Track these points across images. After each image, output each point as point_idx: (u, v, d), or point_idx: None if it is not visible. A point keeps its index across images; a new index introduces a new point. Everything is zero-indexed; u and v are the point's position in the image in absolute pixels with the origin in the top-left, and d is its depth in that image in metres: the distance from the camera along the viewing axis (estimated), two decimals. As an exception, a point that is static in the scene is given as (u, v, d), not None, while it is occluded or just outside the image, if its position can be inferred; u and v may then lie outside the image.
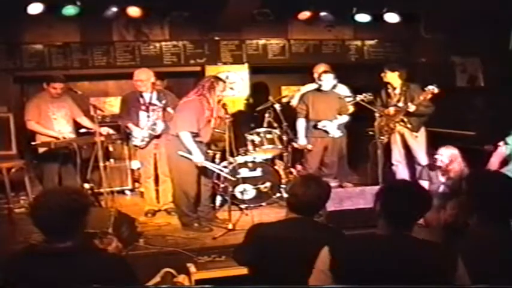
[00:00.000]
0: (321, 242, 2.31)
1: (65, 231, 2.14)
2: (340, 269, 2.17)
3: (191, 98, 4.91)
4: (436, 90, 5.36)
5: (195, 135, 4.82)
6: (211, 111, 4.85)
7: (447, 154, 4.63)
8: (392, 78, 5.78)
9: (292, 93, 7.24)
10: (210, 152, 5.79)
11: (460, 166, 4.58)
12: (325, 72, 6.07)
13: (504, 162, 4.59)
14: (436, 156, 4.74)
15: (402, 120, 5.73)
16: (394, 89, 5.82)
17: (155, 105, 5.46)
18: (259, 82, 7.58)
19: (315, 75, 6.30)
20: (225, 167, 5.49)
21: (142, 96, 5.46)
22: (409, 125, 5.72)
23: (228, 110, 5.23)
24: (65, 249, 2.10)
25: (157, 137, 5.50)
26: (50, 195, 2.23)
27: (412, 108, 5.51)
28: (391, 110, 5.78)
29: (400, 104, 5.73)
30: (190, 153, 4.77)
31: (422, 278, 2.12)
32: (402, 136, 5.88)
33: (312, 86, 6.31)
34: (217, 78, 5.02)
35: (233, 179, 5.25)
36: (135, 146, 5.61)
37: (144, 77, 5.40)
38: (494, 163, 4.61)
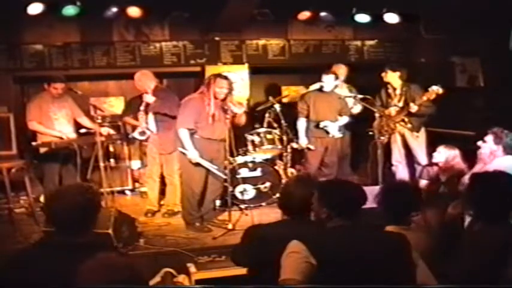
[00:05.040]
0: None
1: (80, 227, 2.21)
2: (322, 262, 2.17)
3: (192, 96, 5.05)
4: (440, 91, 5.36)
5: (194, 131, 4.91)
6: (210, 107, 4.88)
7: (445, 153, 4.64)
8: (393, 78, 5.78)
9: (293, 94, 7.29)
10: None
11: (459, 166, 4.57)
12: (326, 73, 6.06)
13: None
14: (433, 154, 4.76)
15: (403, 120, 5.73)
16: (395, 89, 5.82)
17: (148, 105, 5.52)
18: (261, 82, 7.58)
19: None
20: (225, 167, 5.48)
21: (143, 97, 5.54)
22: (409, 125, 5.73)
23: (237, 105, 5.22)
24: (82, 243, 2.16)
25: (159, 136, 5.56)
26: (66, 192, 2.29)
27: (414, 108, 5.51)
28: (392, 110, 5.78)
29: (400, 104, 5.74)
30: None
31: (382, 266, 2.17)
32: (403, 136, 5.88)
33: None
34: (218, 76, 5.05)
35: (224, 176, 5.18)
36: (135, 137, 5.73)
37: (142, 79, 5.54)
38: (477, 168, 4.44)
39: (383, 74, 5.82)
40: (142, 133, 5.58)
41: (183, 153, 4.94)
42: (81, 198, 2.22)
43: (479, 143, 4.20)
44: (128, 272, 1.76)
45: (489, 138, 4.13)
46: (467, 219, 2.99)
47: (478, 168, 4.24)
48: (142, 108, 5.51)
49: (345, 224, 2.31)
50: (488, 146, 4.13)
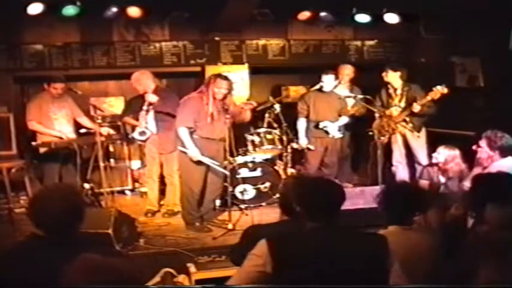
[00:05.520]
0: None
1: (65, 229, 2.20)
2: (281, 263, 2.17)
3: (190, 95, 5.06)
4: (445, 90, 5.36)
5: (193, 130, 4.92)
6: (208, 107, 4.89)
7: (444, 153, 4.63)
8: (394, 78, 5.77)
9: (293, 94, 7.30)
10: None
11: (459, 167, 4.56)
12: (325, 73, 6.06)
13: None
14: (433, 154, 4.75)
15: (404, 120, 5.73)
16: (395, 89, 5.82)
17: (151, 104, 5.51)
18: (261, 82, 7.57)
19: (340, 76, 6.33)
20: (225, 167, 5.49)
21: (143, 97, 5.53)
22: (410, 125, 5.72)
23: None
24: (67, 243, 2.15)
25: (159, 136, 5.55)
26: (46, 196, 2.27)
27: (417, 108, 5.51)
28: (393, 110, 5.77)
29: (402, 105, 5.74)
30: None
31: (356, 267, 2.15)
32: (403, 136, 5.88)
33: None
34: (218, 76, 5.04)
35: (227, 173, 5.17)
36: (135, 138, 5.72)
37: (141, 79, 5.51)
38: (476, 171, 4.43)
39: (384, 74, 5.82)
40: (143, 133, 5.57)
41: (184, 152, 4.94)
42: (64, 203, 2.20)
43: (474, 147, 4.18)
44: (110, 273, 1.72)
45: (483, 143, 4.09)
46: (470, 221, 2.99)
47: (476, 172, 4.23)
48: (145, 107, 5.50)
49: (317, 225, 2.28)
50: (484, 150, 4.11)
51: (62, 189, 2.36)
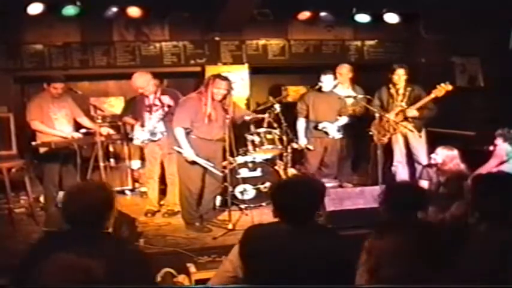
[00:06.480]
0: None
1: (99, 222, 2.32)
2: (249, 262, 2.20)
3: (189, 96, 5.05)
4: (449, 87, 5.38)
5: (189, 131, 4.91)
6: (206, 107, 4.88)
7: (442, 154, 4.64)
8: (402, 78, 5.76)
9: (293, 94, 7.29)
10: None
11: (457, 167, 4.58)
12: (324, 73, 6.07)
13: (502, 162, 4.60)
14: (431, 155, 4.77)
15: (406, 119, 5.73)
16: (397, 89, 5.81)
17: (157, 105, 5.49)
18: (261, 82, 7.58)
19: (337, 75, 6.36)
20: (224, 167, 5.48)
21: (147, 97, 5.53)
22: (411, 125, 5.73)
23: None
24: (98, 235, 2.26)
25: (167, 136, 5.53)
26: (82, 191, 2.37)
27: (412, 113, 5.55)
28: (397, 110, 5.76)
29: (404, 105, 5.74)
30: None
31: (326, 267, 2.17)
32: (405, 136, 5.88)
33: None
34: (217, 76, 5.03)
35: (221, 174, 5.14)
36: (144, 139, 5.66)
37: (142, 82, 5.44)
38: (492, 163, 4.60)
39: (395, 75, 5.76)
40: (154, 134, 5.55)
41: (179, 152, 4.94)
42: (102, 194, 2.32)
43: (491, 147, 4.29)
44: (85, 273, 1.75)
45: (499, 141, 4.21)
46: (472, 220, 2.99)
47: (493, 163, 4.33)
48: (166, 109, 5.45)
49: (288, 227, 2.29)
50: (503, 146, 4.23)
51: (97, 185, 2.46)
